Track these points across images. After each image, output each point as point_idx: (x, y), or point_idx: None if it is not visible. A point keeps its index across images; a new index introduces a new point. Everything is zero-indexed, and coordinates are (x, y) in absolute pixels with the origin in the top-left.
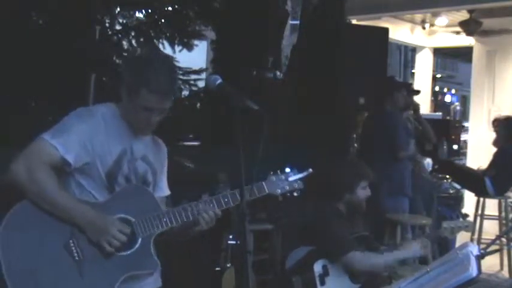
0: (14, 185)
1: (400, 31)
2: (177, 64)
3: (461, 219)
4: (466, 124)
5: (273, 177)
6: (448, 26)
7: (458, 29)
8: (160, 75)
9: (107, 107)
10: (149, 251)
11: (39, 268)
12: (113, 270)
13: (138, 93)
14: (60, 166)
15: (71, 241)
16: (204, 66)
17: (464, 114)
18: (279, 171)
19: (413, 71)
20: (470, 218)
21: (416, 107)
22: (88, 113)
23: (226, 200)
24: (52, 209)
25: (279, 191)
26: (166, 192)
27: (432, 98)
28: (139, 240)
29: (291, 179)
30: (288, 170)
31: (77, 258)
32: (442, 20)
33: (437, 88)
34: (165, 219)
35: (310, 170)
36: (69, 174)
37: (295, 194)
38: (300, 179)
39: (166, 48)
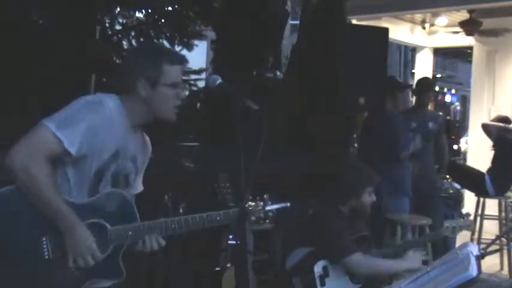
0: (8, 170)
1: (400, 31)
2: None
3: (462, 219)
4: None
5: (252, 204)
6: (448, 26)
7: (458, 29)
8: (172, 50)
9: (113, 102)
10: (117, 261)
11: (6, 260)
12: (79, 274)
13: (161, 72)
14: (60, 156)
15: (44, 239)
16: (204, 66)
17: (464, 114)
18: (257, 198)
19: (413, 71)
20: (471, 218)
21: None
22: (97, 105)
23: (218, 218)
24: (40, 205)
25: (254, 218)
26: (140, 189)
27: (432, 98)
28: (111, 248)
29: (267, 208)
30: (266, 196)
31: (46, 257)
32: (442, 20)
33: (437, 88)
34: (139, 232)
35: (288, 204)
36: (60, 163)
37: (267, 221)
38: (276, 209)
39: None
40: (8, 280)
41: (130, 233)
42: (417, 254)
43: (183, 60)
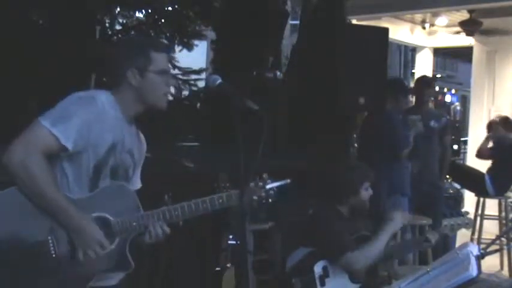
0: (6, 168)
1: (400, 31)
2: (177, 64)
3: (461, 217)
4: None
5: (251, 184)
6: (448, 26)
7: (458, 29)
8: (157, 39)
9: (106, 96)
10: (124, 252)
11: (14, 260)
12: (87, 269)
13: (149, 59)
14: (57, 152)
15: (49, 237)
16: (204, 66)
17: (464, 114)
18: (257, 178)
19: (413, 71)
20: (470, 216)
21: None
22: (89, 100)
23: (220, 201)
24: (40, 203)
25: (256, 197)
26: (139, 185)
27: (432, 98)
28: (117, 240)
29: (268, 186)
30: (265, 176)
31: (53, 255)
32: (442, 20)
33: (437, 88)
34: (143, 222)
35: (289, 180)
36: (57, 159)
37: (270, 200)
38: (276, 187)
39: None
40: (16, 280)
41: (134, 223)
42: (398, 214)
43: (168, 48)
